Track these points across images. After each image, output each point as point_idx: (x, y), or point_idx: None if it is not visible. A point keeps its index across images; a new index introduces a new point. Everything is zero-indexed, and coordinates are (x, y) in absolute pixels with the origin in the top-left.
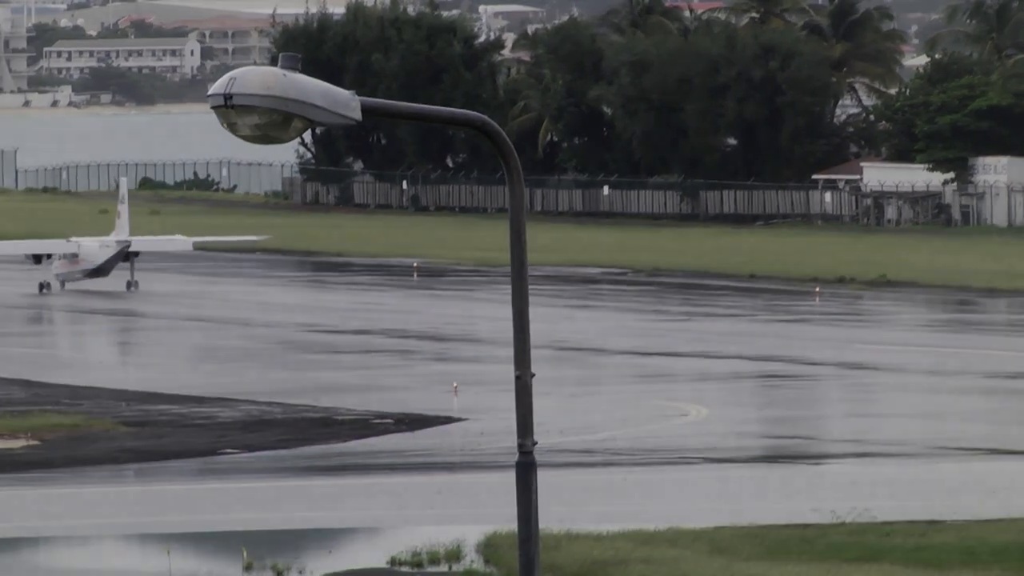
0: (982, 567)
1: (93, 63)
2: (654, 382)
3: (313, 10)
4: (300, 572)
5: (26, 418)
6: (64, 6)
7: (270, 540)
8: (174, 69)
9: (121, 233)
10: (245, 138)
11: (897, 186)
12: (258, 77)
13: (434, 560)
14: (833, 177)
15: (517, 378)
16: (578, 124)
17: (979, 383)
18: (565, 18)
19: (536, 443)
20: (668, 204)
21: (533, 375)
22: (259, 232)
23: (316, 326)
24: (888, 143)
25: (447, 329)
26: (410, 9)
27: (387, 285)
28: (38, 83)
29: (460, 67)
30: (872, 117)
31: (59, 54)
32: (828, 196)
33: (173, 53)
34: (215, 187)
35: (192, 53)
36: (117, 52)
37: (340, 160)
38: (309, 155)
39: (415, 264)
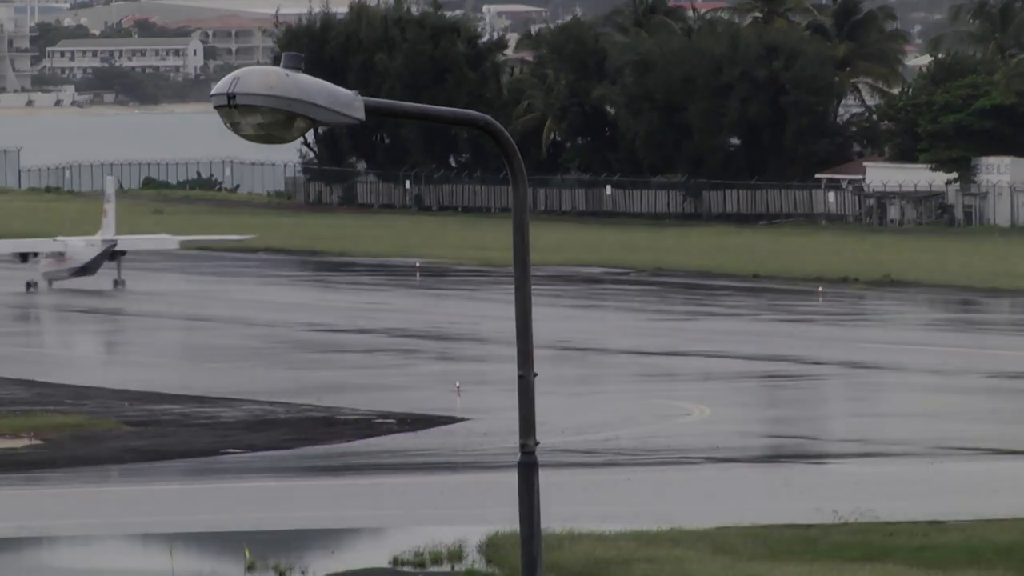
0: (986, 567)
1: (96, 63)
2: (657, 382)
3: (316, 10)
4: (303, 572)
5: (29, 418)
6: (67, 5)
7: (273, 540)
8: (177, 69)
9: (107, 232)
10: (248, 138)
11: (900, 186)
12: (261, 77)
13: (436, 560)
14: (836, 177)
15: (520, 378)
16: (581, 124)
17: (982, 383)
18: (569, 18)
19: (539, 443)
20: (671, 204)
21: (536, 375)
22: (258, 232)
23: (319, 325)
24: (891, 143)
25: (450, 329)
26: (414, 9)
27: (390, 285)
28: (41, 82)
29: (464, 67)
30: (875, 117)
31: (62, 53)
32: (831, 196)
33: (176, 53)
34: (218, 187)
35: (195, 53)
36: (120, 52)
37: (343, 160)
38: (312, 155)
39: (417, 264)
